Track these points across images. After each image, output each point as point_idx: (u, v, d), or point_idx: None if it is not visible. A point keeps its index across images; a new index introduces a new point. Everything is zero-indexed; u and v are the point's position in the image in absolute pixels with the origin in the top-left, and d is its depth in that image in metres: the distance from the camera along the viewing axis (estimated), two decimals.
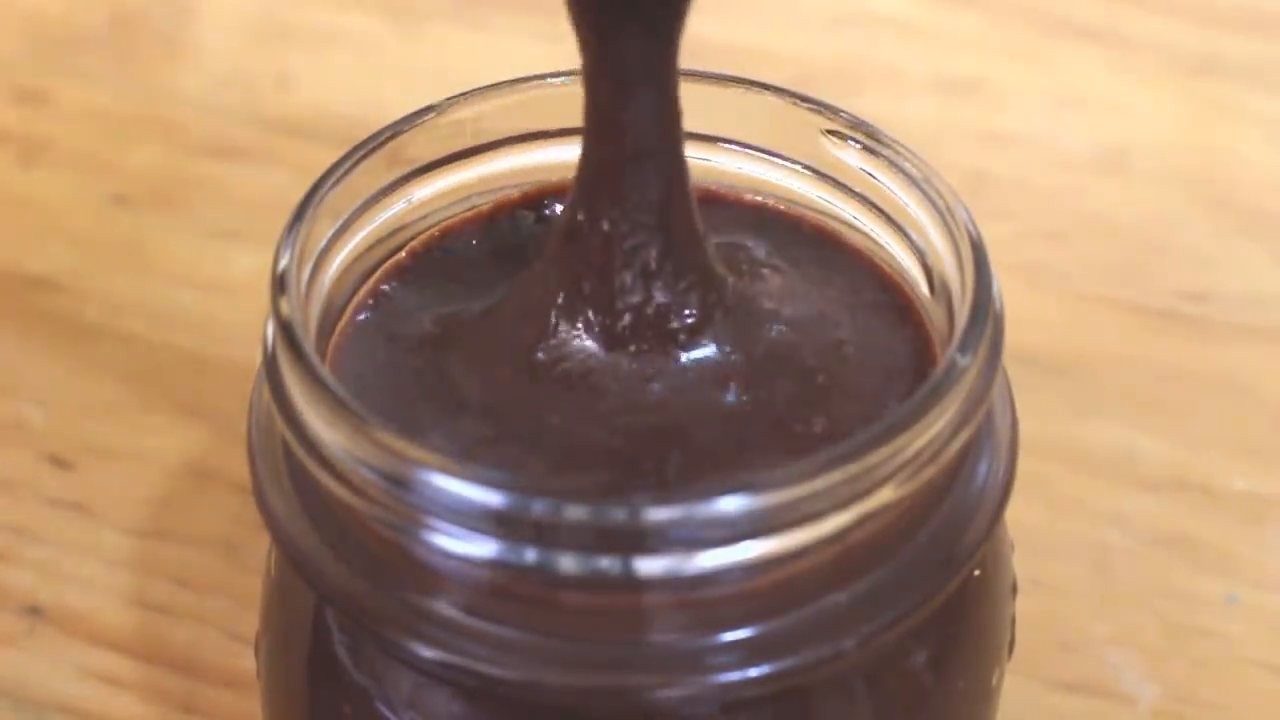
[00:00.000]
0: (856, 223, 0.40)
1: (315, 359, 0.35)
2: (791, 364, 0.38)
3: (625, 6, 0.35)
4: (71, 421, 0.56)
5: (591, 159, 0.37)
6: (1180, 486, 0.54)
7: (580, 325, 0.37)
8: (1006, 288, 0.37)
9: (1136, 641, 0.51)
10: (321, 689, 0.38)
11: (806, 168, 0.40)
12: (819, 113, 0.39)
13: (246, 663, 0.47)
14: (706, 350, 0.37)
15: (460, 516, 0.33)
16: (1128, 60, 0.67)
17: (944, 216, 0.37)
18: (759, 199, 0.40)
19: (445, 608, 0.34)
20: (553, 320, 0.37)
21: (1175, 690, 0.50)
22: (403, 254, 0.40)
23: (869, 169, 0.39)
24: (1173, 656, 0.50)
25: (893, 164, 0.38)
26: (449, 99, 0.39)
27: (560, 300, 0.37)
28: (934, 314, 0.38)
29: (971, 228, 0.37)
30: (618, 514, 0.33)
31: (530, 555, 0.33)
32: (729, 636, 0.34)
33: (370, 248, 0.39)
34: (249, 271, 0.59)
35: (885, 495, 0.34)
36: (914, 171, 0.38)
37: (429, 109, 0.39)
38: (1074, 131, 0.64)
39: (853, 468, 0.33)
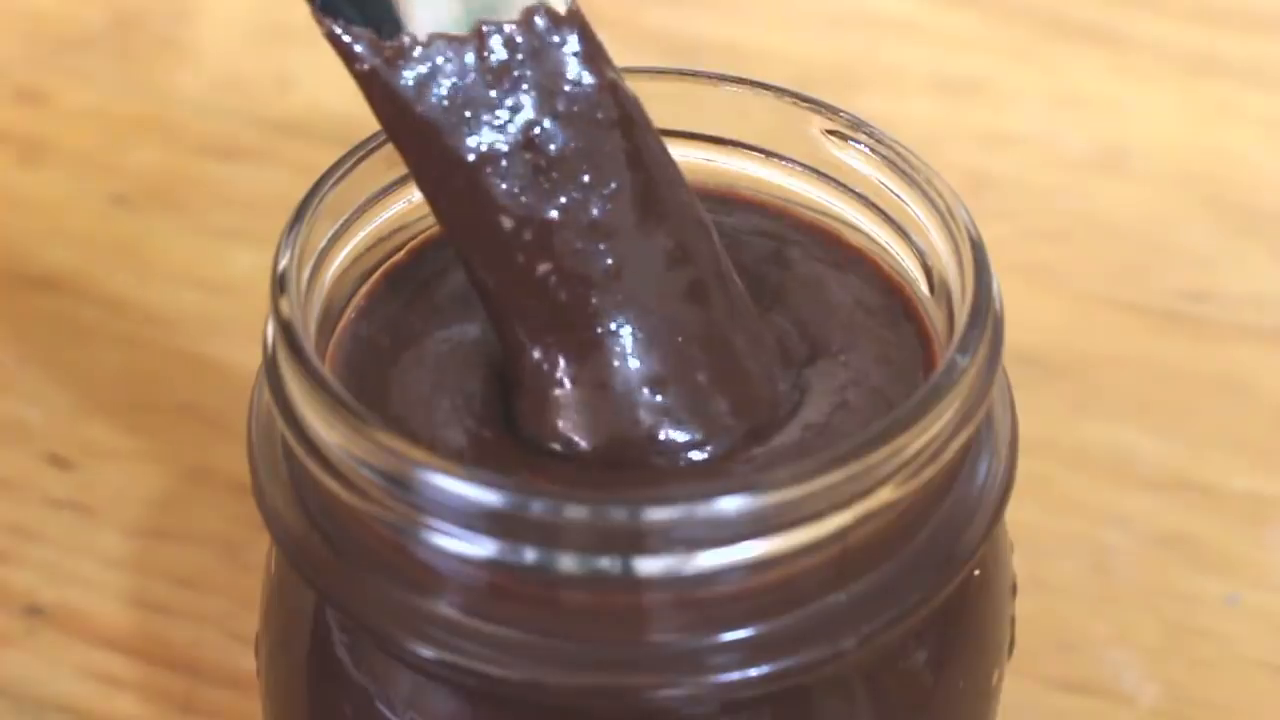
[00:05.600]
0: (856, 223, 0.40)
1: (315, 359, 0.35)
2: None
3: None
4: (71, 421, 0.56)
5: None
6: (1180, 486, 0.54)
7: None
8: (1006, 288, 0.37)
9: (1136, 641, 0.51)
10: (321, 689, 0.38)
11: (806, 168, 0.40)
12: (819, 113, 0.39)
13: (246, 662, 0.47)
14: None
15: (460, 516, 0.33)
16: (1128, 60, 0.67)
17: (944, 216, 0.37)
18: (759, 199, 0.40)
19: (445, 608, 0.34)
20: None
21: (1175, 690, 0.50)
22: (402, 254, 0.40)
23: (869, 169, 0.39)
24: (1173, 656, 0.50)
25: (893, 164, 0.38)
26: None
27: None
28: (934, 314, 0.38)
29: (971, 228, 0.37)
30: (618, 514, 0.33)
31: (530, 555, 0.33)
32: (729, 636, 0.34)
33: (370, 248, 0.39)
34: (249, 271, 0.59)
35: (885, 495, 0.34)
36: (914, 172, 0.38)
37: None
38: (1074, 131, 0.64)
39: (853, 468, 0.33)
